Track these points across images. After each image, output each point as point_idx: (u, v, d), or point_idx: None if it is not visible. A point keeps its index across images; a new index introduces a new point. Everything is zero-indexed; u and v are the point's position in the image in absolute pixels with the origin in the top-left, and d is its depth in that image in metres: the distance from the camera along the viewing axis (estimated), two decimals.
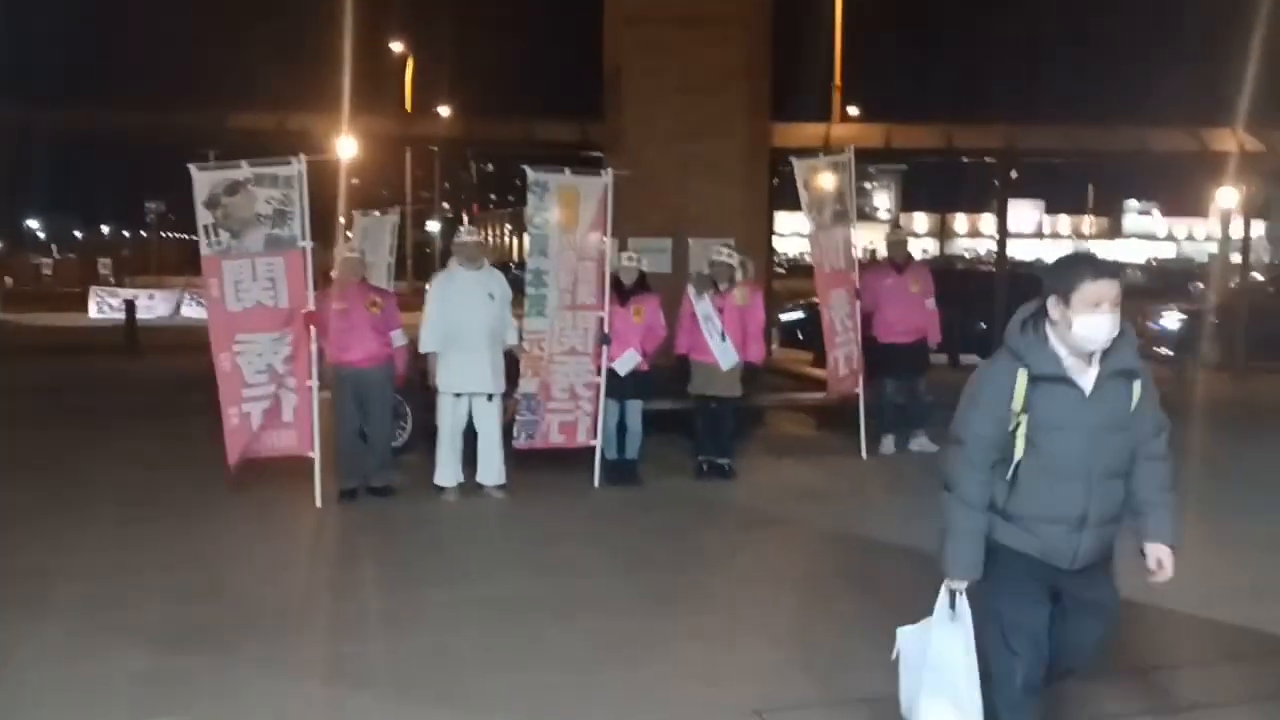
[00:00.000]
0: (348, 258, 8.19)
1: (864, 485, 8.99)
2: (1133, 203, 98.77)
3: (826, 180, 9.87)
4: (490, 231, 69.08)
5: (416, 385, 8.86)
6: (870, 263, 11.64)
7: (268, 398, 7.81)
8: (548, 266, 8.60)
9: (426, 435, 9.60)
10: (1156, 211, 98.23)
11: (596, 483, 8.66)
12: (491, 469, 8.31)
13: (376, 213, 11.91)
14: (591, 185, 8.76)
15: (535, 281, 8.58)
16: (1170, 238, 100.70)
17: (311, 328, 7.82)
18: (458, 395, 8.16)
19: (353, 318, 8.01)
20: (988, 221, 75.65)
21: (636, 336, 8.71)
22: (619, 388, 8.69)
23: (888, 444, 10.07)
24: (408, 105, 24.84)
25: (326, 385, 8.10)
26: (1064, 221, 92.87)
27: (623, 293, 8.73)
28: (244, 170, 7.72)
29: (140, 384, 15.54)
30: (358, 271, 8.21)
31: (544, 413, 8.62)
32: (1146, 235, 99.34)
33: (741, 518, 7.93)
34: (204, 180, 7.71)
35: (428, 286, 8.48)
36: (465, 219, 65.68)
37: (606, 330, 8.59)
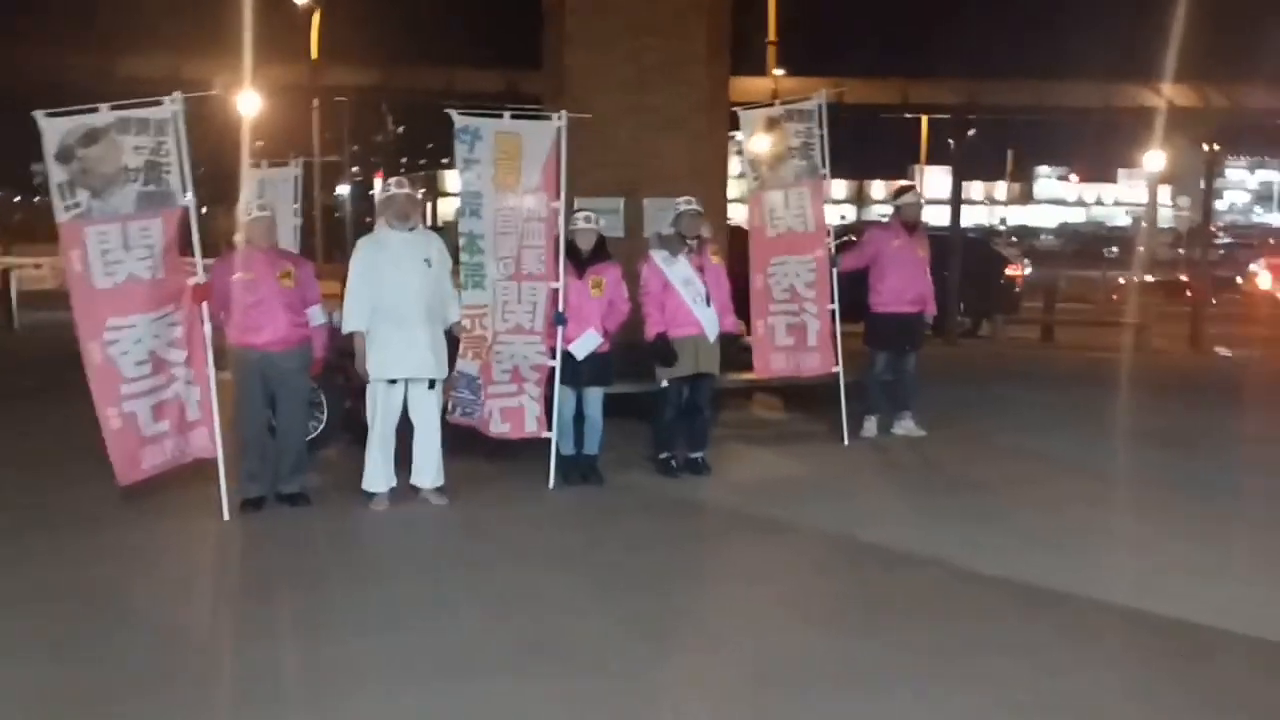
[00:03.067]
0: (256, 217, 6.76)
1: (853, 478, 7.88)
2: (1044, 168, 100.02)
3: (789, 133, 8.67)
4: None
5: (335, 370, 7.53)
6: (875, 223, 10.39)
7: (154, 393, 6.41)
8: (482, 230, 7.30)
9: (346, 428, 8.31)
10: (1074, 177, 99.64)
11: (551, 483, 7.42)
12: (429, 469, 7.03)
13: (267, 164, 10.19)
14: (538, 133, 7.46)
15: (469, 247, 7.28)
16: (1080, 202, 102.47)
17: (204, 304, 6.44)
18: (391, 382, 6.85)
19: (261, 291, 6.63)
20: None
21: (596, 313, 7.47)
22: (576, 373, 7.45)
23: (870, 426, 9.01)
24: (314, 53, 23.01)
25: (224, 368, 6.74)
26: (977, 187, 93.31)
27: (579, 262, 7.47)
28: (104, 115, 6.23)
29: (15, 364, 13.85)
30: (268, 235, 6.80)
31: (484, 398, 7.35)
32: (1057, 200, 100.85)
33: (724, 523, 6.79)
34: (54, 129, 6.20)
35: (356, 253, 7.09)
36: (376, 183, 63.24)
37: (561, 307, 7.34)
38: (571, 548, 6.28)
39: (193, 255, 6.46)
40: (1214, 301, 18.70)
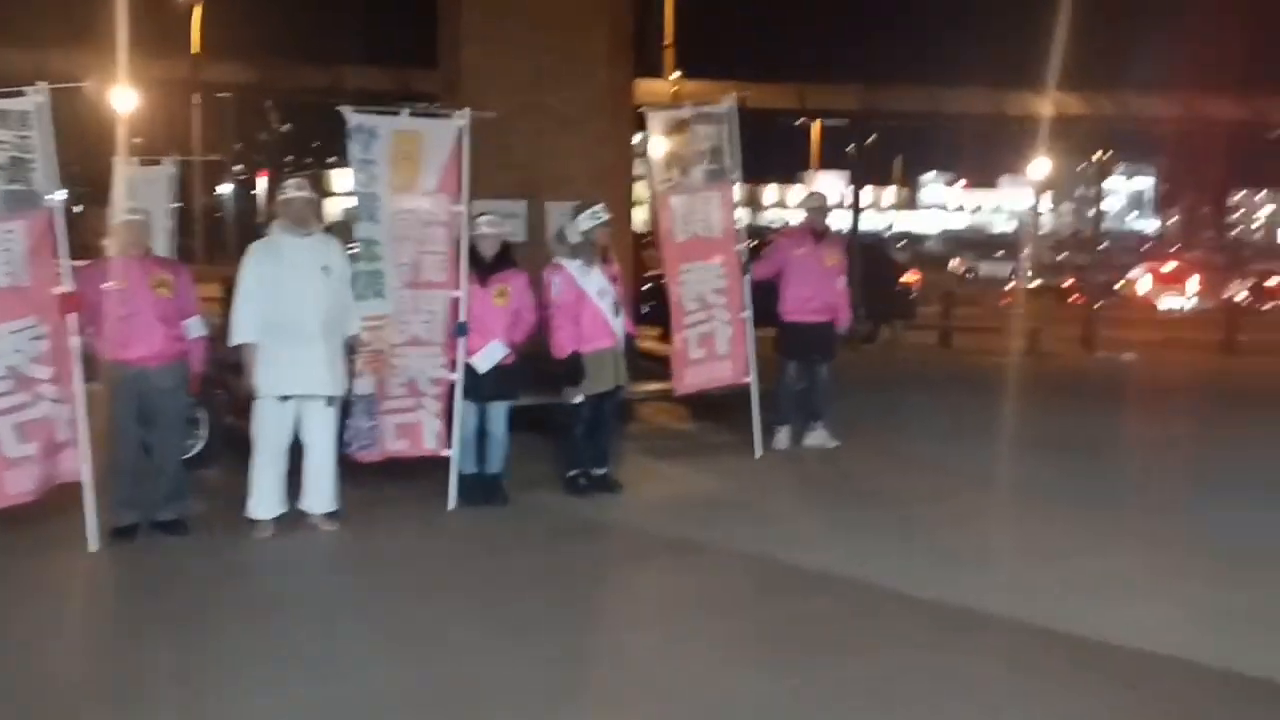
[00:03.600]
0: (129, 221, 6.18)
1: (768, 494, 7.60)
2: (929, 174, 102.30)
3: (697, 134, 8.37)
4: None
5: (215, 383, 6.98)
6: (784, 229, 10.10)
7: (17, 411, 5.80)
8: (379, 235, 6.83)
9: (228, 446, 7.76)
10: (961, 184, 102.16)
11: (452, 503, 6.98)
12: (322, 494, 6.53)
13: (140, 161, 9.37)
14: (438, 132, 7.02)
15: (366, 254, 6.80)
16: (962, 209, 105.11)
17: (72, 314, 5.87)
18: (284, 399, 6.34)
19: (135, 302, 6.06)
20: (796, 193, 76.44)
21: (501, 324, 7.05)
22: (479, 387, 7.02)
23: (782, 437, 8.76)
24: (194, 47, 21.94)
25: (92, 382, 6.15)
26: (866, 193, 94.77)
27: (482, 269, 7.05)
28: None
29: None
30: (141, 240, 6.22)
31: (379, 415, 6.89)
32: (941, 206, 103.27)
33: (638, 547, 6.43)
34: None
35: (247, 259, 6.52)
36: (259, 182, 61.33)
37: (463, 317, 6.91)
38: (478, 579, 5.85)
39: (61, 261, 5.88)
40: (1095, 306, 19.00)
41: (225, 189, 42.02)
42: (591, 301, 7.24)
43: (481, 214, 7.15)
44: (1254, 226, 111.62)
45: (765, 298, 8.62)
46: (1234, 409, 11.31)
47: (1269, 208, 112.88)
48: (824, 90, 15.01)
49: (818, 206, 8.91)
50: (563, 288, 7.23)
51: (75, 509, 6.05)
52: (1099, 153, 19.52)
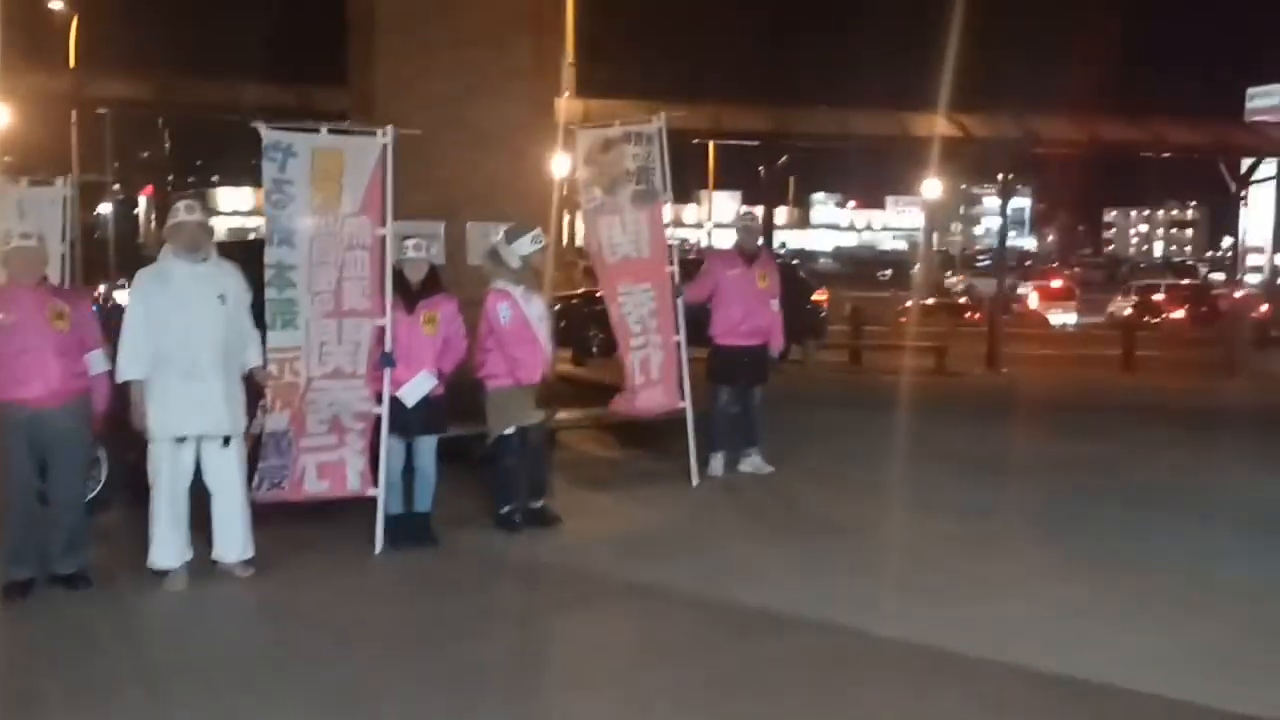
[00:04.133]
0: (18, 247, 5.61)
1: (712, 526, 7.31)
2: (819, 195, 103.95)
3: (626, 154, 8.09)
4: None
5: (115, 420, 6.41)
6: (713, 250, 9.80)
7: None
8: (295, 260, 6.40)
9: (128, 487, 7.19)
10: (852, 205, 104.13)
11: (379, 547, 6.54)
12: (234, 540, 6.03)
13: (25, 182, 8.63)
14: (361, 150, 6.60)
15: (278, 281, 6.35)
16: (852, 228, 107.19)
17: None
18: (179, 440, 5.83)
19: (27, 336, 5.51)
20: (690, 211, 76.81)
21: (429, 353, 6.65)
22: (406, 421, 6.60)
23: (716, 464, 8.49)
24: (72, 61, 20.83)
25: None
26: (758, 211, 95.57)
27: (409, 295, 6.64)
28: None
29: None
30: (35, 268, 5.67)
31: (296, 453, 6.42)
32: (832, 225, 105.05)
33: (583, 589, 6.03)
34: None
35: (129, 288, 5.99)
36: (140, 200, 59.14)
37: (388, 346, 6.49)
38: (410, 630, 5.42)
39: None
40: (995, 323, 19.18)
41: (105, 208, 40.37)
42: (533, 329, 6.89)
43: (408, 237, 6.75)
44: (1131, 244, 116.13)
45: (697, 320, 8.38)
46: (1149, 426, 11.43)
47: (1143, 226, 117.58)
48: (738, 111, 14.89)
49: (749, 226, 8.70)
50: (511, 313, 6.85)
51: None
52: (1003, 174, 19.83)
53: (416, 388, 6.58)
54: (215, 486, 5.93)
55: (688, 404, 8.14)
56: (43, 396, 5.52)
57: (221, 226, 57.38)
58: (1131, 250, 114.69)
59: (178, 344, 5.71)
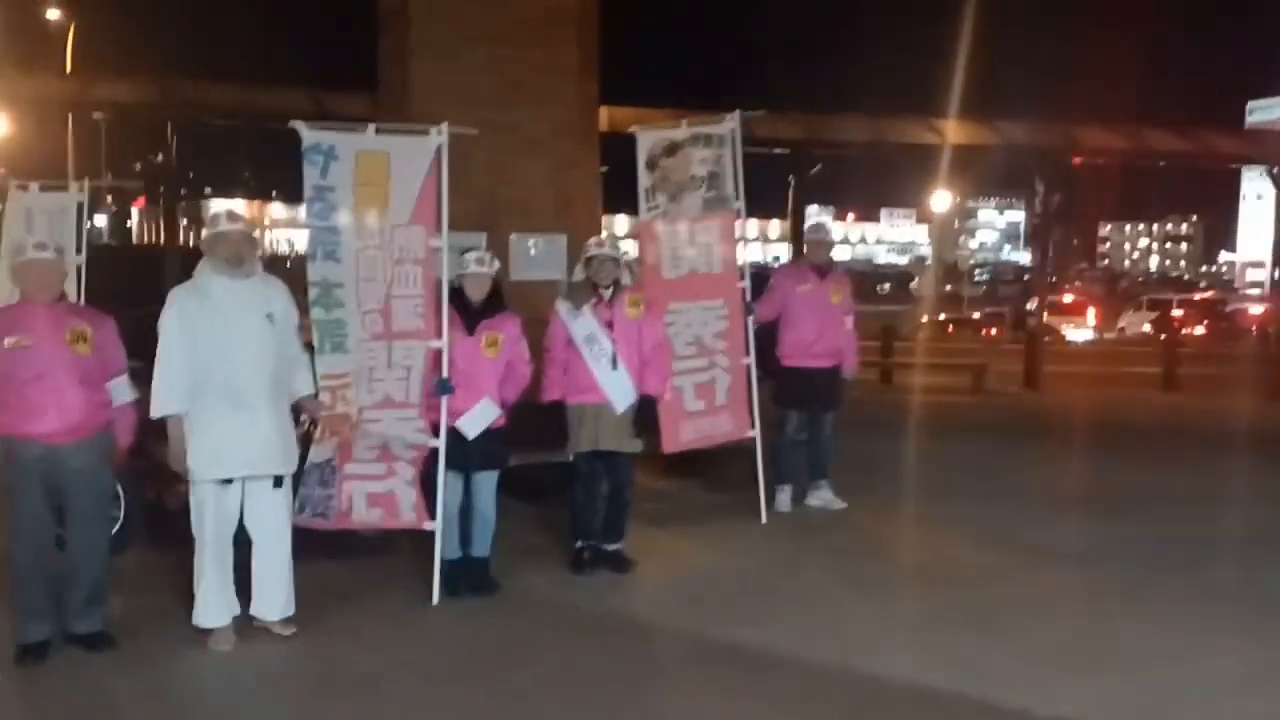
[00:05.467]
0: (32, 259, 4.88)
1: (795, 571, 6.58)
2: (814, 207, 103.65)
3: (693, 158, 7.36)
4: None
5: (135, 451, 5.71)
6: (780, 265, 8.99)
7: None
8: (341, 276, 5.68)
9: (149, 525, 6.49)
10: (851, 216, 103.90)
11: (436, 597, 5.81)
12: (276, 596, 5.30)
13: (35, 187, 7.61)
14: (411, 151, 5.89)
15: (324, 299, 5.65)
16: (846, 240, 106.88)
17: None
18: (225, 482, 5.10)
19: (43, 361, 4.77)
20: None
21: (491, 379, 5.93)
22: (464, 455, 5.88)
23: (784, 499, 7.79)
24: (69, 65, 20.02)
25: None
26: (752, 225, 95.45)
27: (469, 314, 5.92)
28: None
29: None
30: (52, 283, 4.93)
31: (339, 481, 5.70)
32: None
33: (675, 653, 5.26)
34: None
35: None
36: (134, 212, 58.06)
37: (445, 372, 5.77)
38: (475, 705, 4.68)
39: None
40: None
41: (100, 220, 39.56)
42: (577, 349, 6.21)
43: (468, 249, 6.04)
44: (1132, 258, 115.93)
45: (760, 341, 7.68)
46: (1227, 453, 10.72)
47: (1144, 240, 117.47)
48: (768, 118, 14.29)
49: (821, 239, 7.99)
50: (551, 331, 6.29)
51: None
52: (1039, 186, 19.11)
53: (478, 418, 5.86)
54: (259, 534, 5.21)
55: (757, 432, 7.43)
56: (60, 431, 4.79)
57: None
58: (1127, 264, 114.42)
59: (221, 371, 4.99)
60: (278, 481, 5.19)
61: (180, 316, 5.05)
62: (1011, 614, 5.77)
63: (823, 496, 7.91)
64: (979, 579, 6.38)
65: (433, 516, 5.82)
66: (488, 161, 8.42)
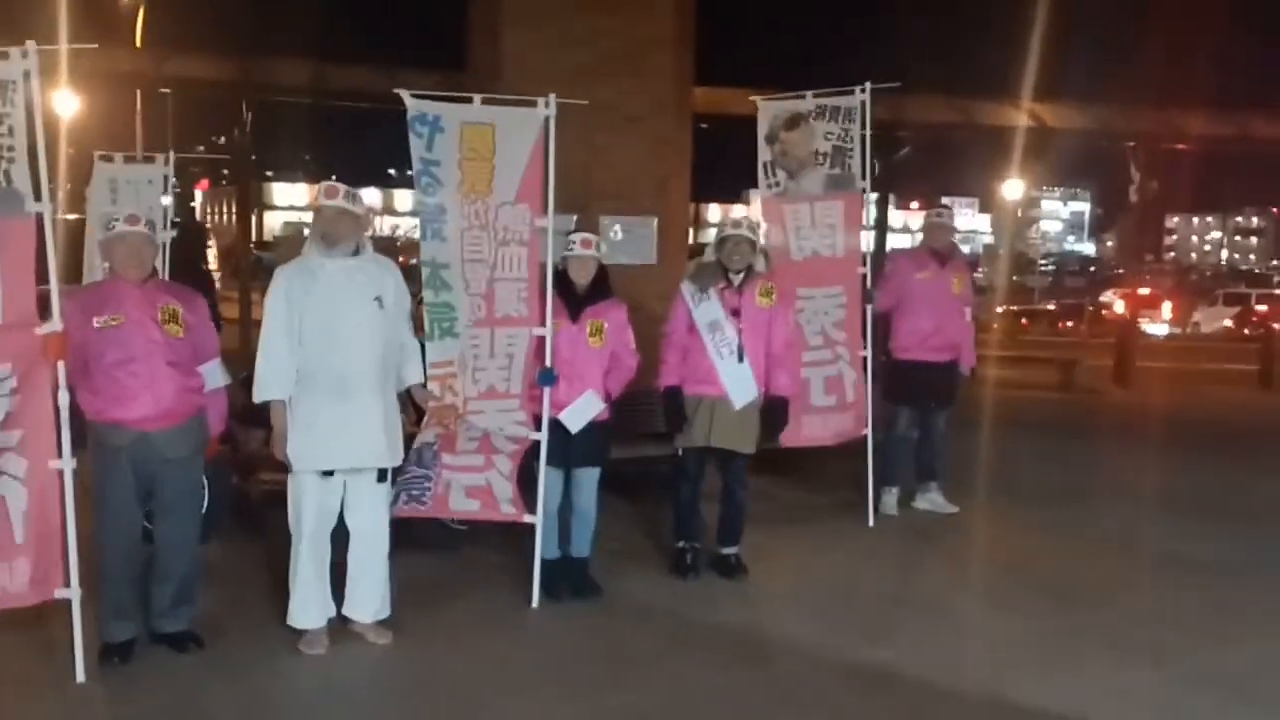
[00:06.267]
0: (122, 233, 4.54)
1: (913, 580, 6.15)
2: (873, 195, 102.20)
3: (817, 131, 6.87)
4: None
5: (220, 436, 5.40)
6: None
7: None
8: (448, 257, 5.31)
9: (234, 515, 6.21)
10: (915, 204, 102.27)
11: (535, 600, 5.45)
12: (371, 597, 4.97)
13: (120, 159, 7.31)
14: (518, 124, 5.49)
15: (434, 281, 5.28)
16: (906, 229, 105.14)
17: (59, 362, 4.26)
18: (326, 474, 4.76)
19: (134, 343, 4.44)
20: (738, 212, 75.43)
21: (596, 368, 5.54)
22: (566, 450, 5.50)
23: (890, 501, 7.35)
24: (138, 39, 19.88)
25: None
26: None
27: (573, 299, 5.53)
28: None
29: None
30: (145, 259, 4.58)
31: (439, 468, 5.35)
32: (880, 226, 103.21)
33: (792, 668, 4.85)
34: None
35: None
36: (197, 194, 58.34)
37: (549, 361, 5.39)
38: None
39: (46, 288, 4.26)
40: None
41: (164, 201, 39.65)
42: (699, 335, 5.79)
43: (574, 230, 5.65)
44: (1197, 251, 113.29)
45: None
46: None
47: (1215, 233, 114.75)
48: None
49: (942, 222, 7.50)
50: (673, 314, 5.88)
51: (50, 625, 4.46)
52: (1136, 176, 18.32)
53: (581, 410, 5.48)
54: (359, 530, 4.88)
55: (869, 431, 6.99)
56: (151, 417, 4.47)
57: (276, 222, 56.81)
58: (1194, 257, 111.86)
59: (325, 357, 4.66)
60: (381, 475, 4.85)
61: (286, 297, 4.71)
62: (1150, 631, 5.31)
63: (932, 499, 7.46)
64: (1109, 592, 5.93)
65: (531, 511, 5.46)
66: (580, 139, 7.99)
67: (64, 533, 4.33)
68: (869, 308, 6.87)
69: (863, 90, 6.77)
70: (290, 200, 65.63)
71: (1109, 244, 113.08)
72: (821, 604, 5.71)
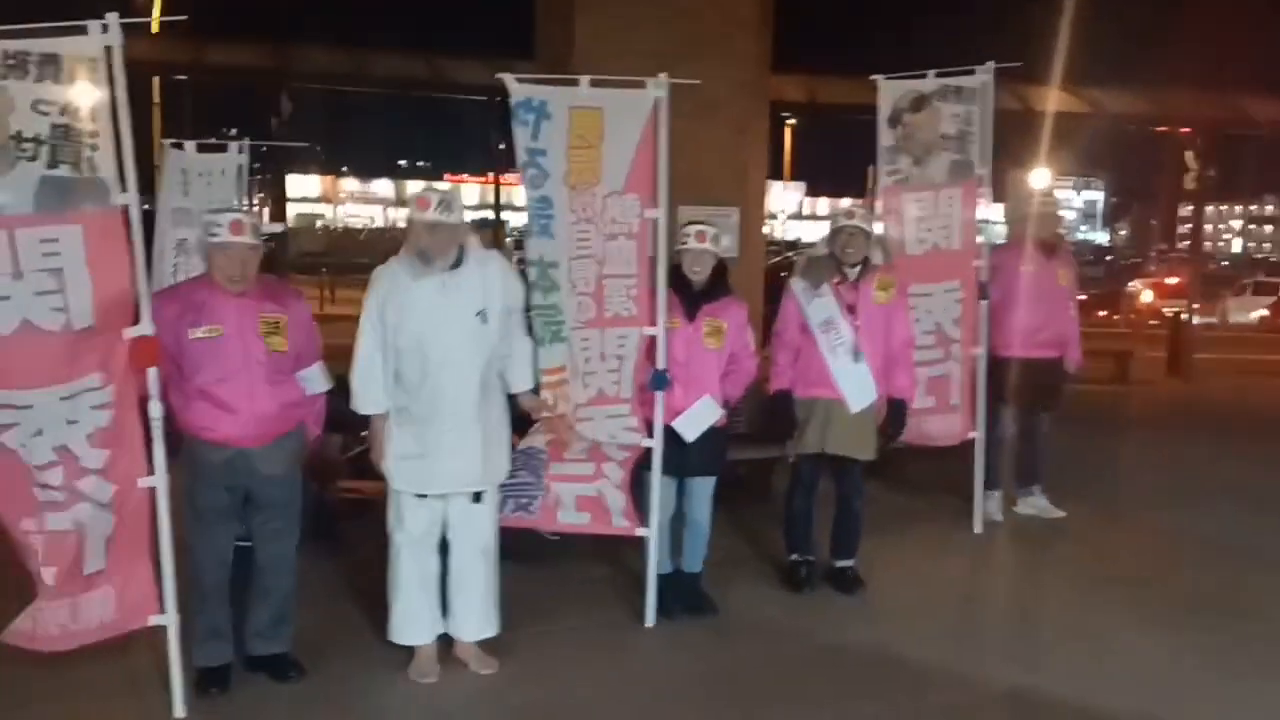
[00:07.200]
0: (230, 244, 4.10)
1: (1039, 592, 5.78)
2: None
3: (942, 114, 6.36)
4: None
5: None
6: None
7: (61, 507, 3.81)
8: (556, 254, 4.92)
9: (317, 523, 5.82)
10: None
11: (650, 619, 5.08)
12: (472, 614, 4.60)
13: (192, 146, 6.76)
14: (627, 108, 5.08)
15: (542, 281, 4.89)
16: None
17: (149, 370, 3.89)
18: (422, 496, 4.41)
19: (232, 357, 4.08)
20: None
21: (714, 371, 5.15)
22: (679, 458, 5.11)
23: (993, 505, 6.94)
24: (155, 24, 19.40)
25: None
26: (823, 203, 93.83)
27: (689, 297, 5.14)
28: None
29: None
30: (250, 270, 4.17)
31: (548, 478, 4.98)
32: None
33: (941, 693, 4.49)
34: None
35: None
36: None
37: (661, 363, 5.00)
38: None
39: (133, 287, 3.87)
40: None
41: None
42: (811, 334, 5.40)
43: (690, 222, 5.25)
44: (1218, 241, 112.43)
45: None
46: None
47: (1234, 222, 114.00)
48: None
49: (1049, 211, 7.09)
50: (783, 312, 5.50)
51: (134, 655, 4.11)
52: (1192, 162, 17.86)
53: (698, 416, 5.09)
54: (459, 545, 4.52)
55: (980, 432, 6.61)
56: (251, 433, 4.10)
57: (289, 213, 56.39)
58: (1208, 246, 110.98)
59: (420, 384, 4.30)
60: (477, 496, 4.48)
61: (379, 314, 4.34)
62: None
63: (1036, 504, 7.08)
64: (1253, 606, 5.52)
65: (644, 524, 5.10)
66: None
67: (157, 555, 3.97)
68: (984, 303, 6.48)
69: (985, 70, 6.36)
70: (303, 192, 65.27)
71: (1122, 233, 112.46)
72: (951, 621, 5.34)
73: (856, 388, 5.38)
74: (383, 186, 77.05)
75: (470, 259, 4.42)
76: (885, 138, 6.36)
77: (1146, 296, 34.67)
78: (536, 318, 4.78)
